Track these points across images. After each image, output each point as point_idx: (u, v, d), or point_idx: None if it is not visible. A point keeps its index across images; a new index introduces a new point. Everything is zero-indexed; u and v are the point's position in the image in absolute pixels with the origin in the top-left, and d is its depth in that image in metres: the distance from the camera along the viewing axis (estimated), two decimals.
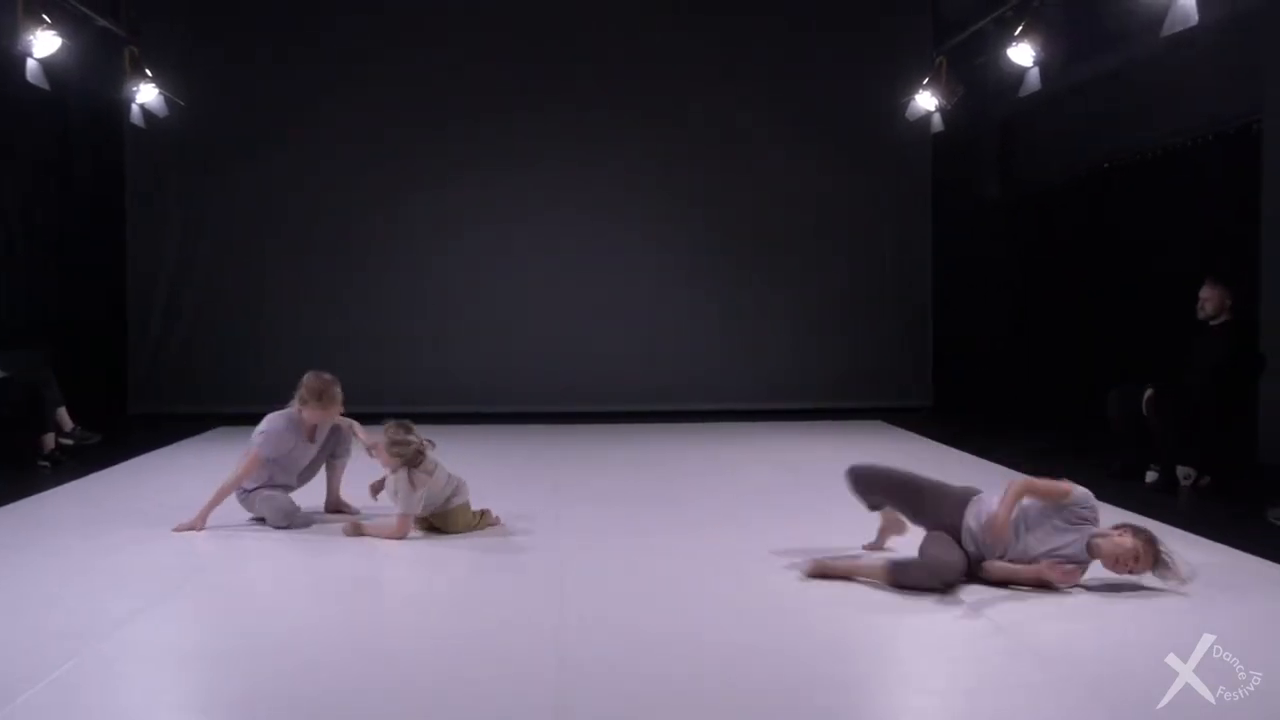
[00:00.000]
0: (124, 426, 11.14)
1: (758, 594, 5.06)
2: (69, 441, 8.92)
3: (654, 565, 5.63)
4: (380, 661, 4.20)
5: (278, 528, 6.36)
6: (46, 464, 8.61)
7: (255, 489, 6.46)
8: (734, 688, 3.90)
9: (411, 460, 6.15)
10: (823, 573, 5.14)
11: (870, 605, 4.76)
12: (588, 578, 5.38)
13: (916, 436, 10.54)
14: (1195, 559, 5.69)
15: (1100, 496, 7.06)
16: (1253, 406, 8.04)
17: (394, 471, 6.18)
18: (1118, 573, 4.91)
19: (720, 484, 8.28)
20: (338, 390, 6.54)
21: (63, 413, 8.89)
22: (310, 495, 6.74)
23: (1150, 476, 7.59)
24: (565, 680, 3.93)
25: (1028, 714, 3.69)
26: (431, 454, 6.27)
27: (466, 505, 6.42)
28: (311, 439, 6.62)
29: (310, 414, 6.49)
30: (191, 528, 6.28)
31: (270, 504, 6.39)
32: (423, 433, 6.30)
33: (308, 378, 6.55)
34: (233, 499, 6.45)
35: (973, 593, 4.86)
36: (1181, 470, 7.50)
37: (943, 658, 4.26)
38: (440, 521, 6.33)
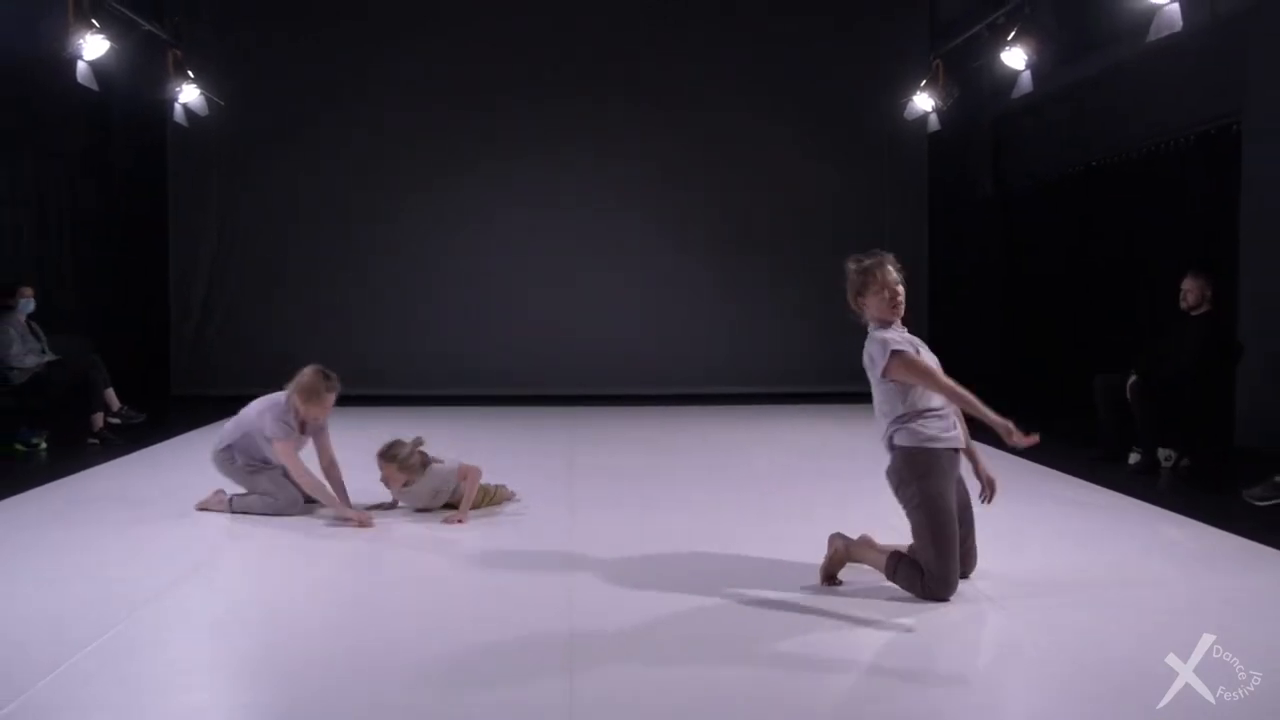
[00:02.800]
0: (167, 407, 11.19)
1: (757, 568, 5.05)
2: (116, 420, 8.99)
3: (661, 540, 5.61)
4: (402, 625, 4.22)
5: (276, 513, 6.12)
6: (96, 441, 8.68)
7: (258, 470, 6.22)
8: (733, 657, 3.91)
9: (423, 462, 6.13)
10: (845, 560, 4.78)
11: (874, 582, 4.70)
12: (598, 550, 5.37)
13: None
14: (1176, 536, 5.73)
15: (1084, 477, 7.17)
16: (1230, 392, 8.02)
17: (412, 483, 6.10)
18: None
19: (725, 463, 8.28)
20: (331, 395, 6.12)
21: (110, 394, 8.95)
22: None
23: (1133, 458, 7.57)
24: (576, 643, 3.94)
25: (1023, 694, 3.69)
26: (429, 451, 6.21)
27: (489, 492, 6.41)
28: (302, 432, 6.20)
29: (302, 408, 6.08)
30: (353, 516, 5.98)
31: (283, 492, 6.15)
32: (409, 432, 6.26)
33: (307, 372, 6.15)
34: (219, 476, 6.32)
35: (976, 577, 4.72)
36: (1162, 452, 7.49)
37: (942, 642, 4.16)
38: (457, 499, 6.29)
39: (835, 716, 3.39)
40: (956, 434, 4.59)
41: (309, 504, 6.20)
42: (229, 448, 6.25)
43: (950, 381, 4.50)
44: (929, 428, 4.52)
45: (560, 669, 3.70)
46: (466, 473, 6.17)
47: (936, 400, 4.55)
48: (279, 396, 6.18)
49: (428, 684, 3.61)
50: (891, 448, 4.61)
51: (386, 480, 6.12)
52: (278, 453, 6.09)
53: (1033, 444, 4.36)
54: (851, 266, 4.73)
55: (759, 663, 3.82)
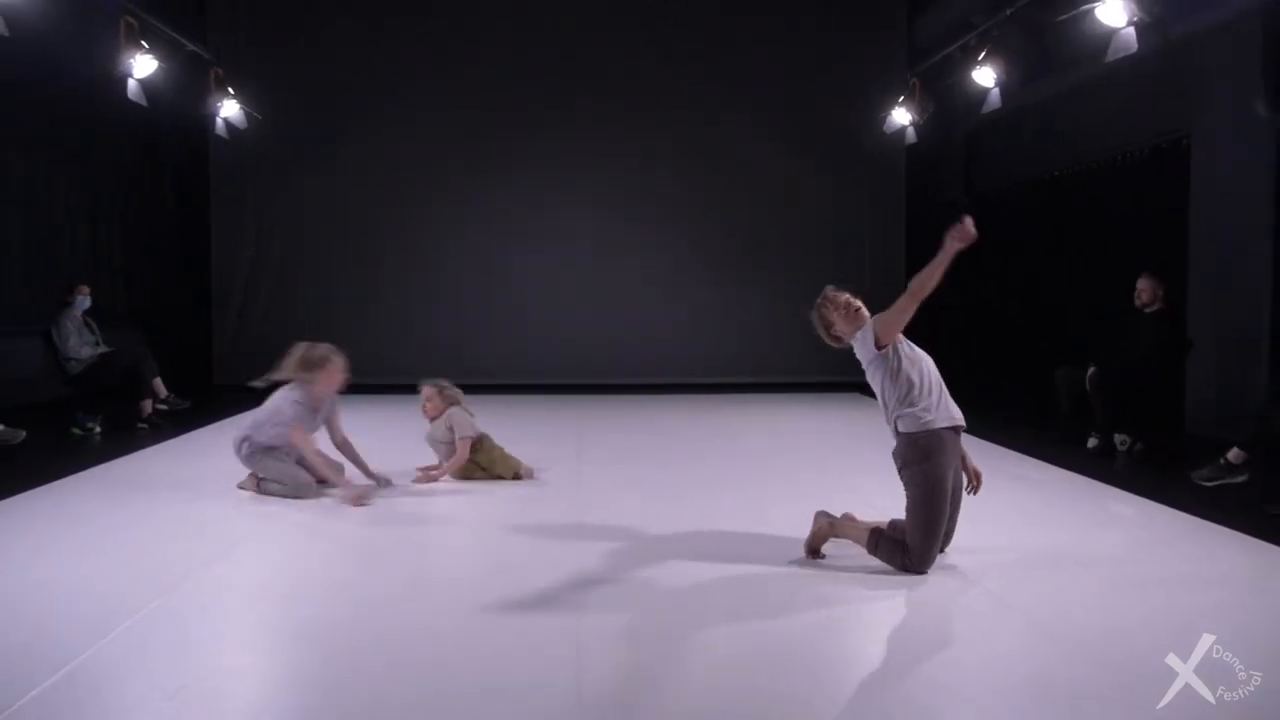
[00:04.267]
0: (209, 395, 11.20)
1: (748, 542, 5.07)
2: (164, 407, 9.03)
3: (663, 515, 5.62)
4: (424, 595, 4.24)
5: (294, 497, 5.98)
6: (145, 426, 8.71)
7: (270, 448, 6.09)
8: (725, 623, 3.92)
9: (456, 401, 6.54)
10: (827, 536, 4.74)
11: (855, 556, 4.70)
12: (605, 524, 5.40)
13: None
14: (1130, 514, 5.75)
15: (1047, 459, 7.20)
16: (1181, 382, 8.04)
17: (441, 415, 6.49)
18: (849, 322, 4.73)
19: (720, 447, 8.30)
20: (338, 360, 6.08)
21: (158, 382, 8.98)
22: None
23: (1091, 443, 7.59)
24: (584, 599, 3.97)
25: (994, 657, 3.71)
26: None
27: (504, 452, 6.62)
28: (316, 410, 6.18)
29: (315, 380, 6.03)
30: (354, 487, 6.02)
31: (291, 478, 6.03)
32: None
33: (301, 349, 6.08)
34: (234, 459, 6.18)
35: (950, 551, 4.69)
36: (1118, 437, 7.51)
37: (919, 611, 4.19)
38: (487, 460, 6.54)
39: (819, 679, 3.40)
40: (955, 411, 4.58)
41: (320, 486, 6.14)
42: (245, 439, 6.13)
43: (911, 287, 4.47)
44: (928, 411, 4.50)
45: (569, 638, 3.72)
46: (462, 445, 6.45)
47: (925, 383, 4.54)
48: (288, 390, 6.12)
49: (446, 648, 3.63)
50: (896, 433, 4.59)
51: (425, 401, 6.53)
52: (292, 436, 5.99)
53: (971, 228, 4.30)
54: (812, 318, 4.83)
55: (748, 627, 3.83)
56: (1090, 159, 10.05)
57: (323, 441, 6.32)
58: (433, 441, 6.60)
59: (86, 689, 3.22)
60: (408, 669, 3.42)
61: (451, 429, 6.48)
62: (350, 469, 6.33)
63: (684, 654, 3.55)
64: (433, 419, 6.54)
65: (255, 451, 6.11)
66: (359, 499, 5.87)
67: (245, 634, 3.89)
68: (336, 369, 6.10)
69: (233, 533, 5.28)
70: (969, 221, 4.33)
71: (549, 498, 6.17)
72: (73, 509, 5.76)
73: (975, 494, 4.74)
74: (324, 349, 6.12)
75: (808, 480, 6.67)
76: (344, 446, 6.35)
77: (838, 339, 4.80)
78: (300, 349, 6.12)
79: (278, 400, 6.15)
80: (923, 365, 4.61)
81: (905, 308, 4.49)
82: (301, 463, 6.16)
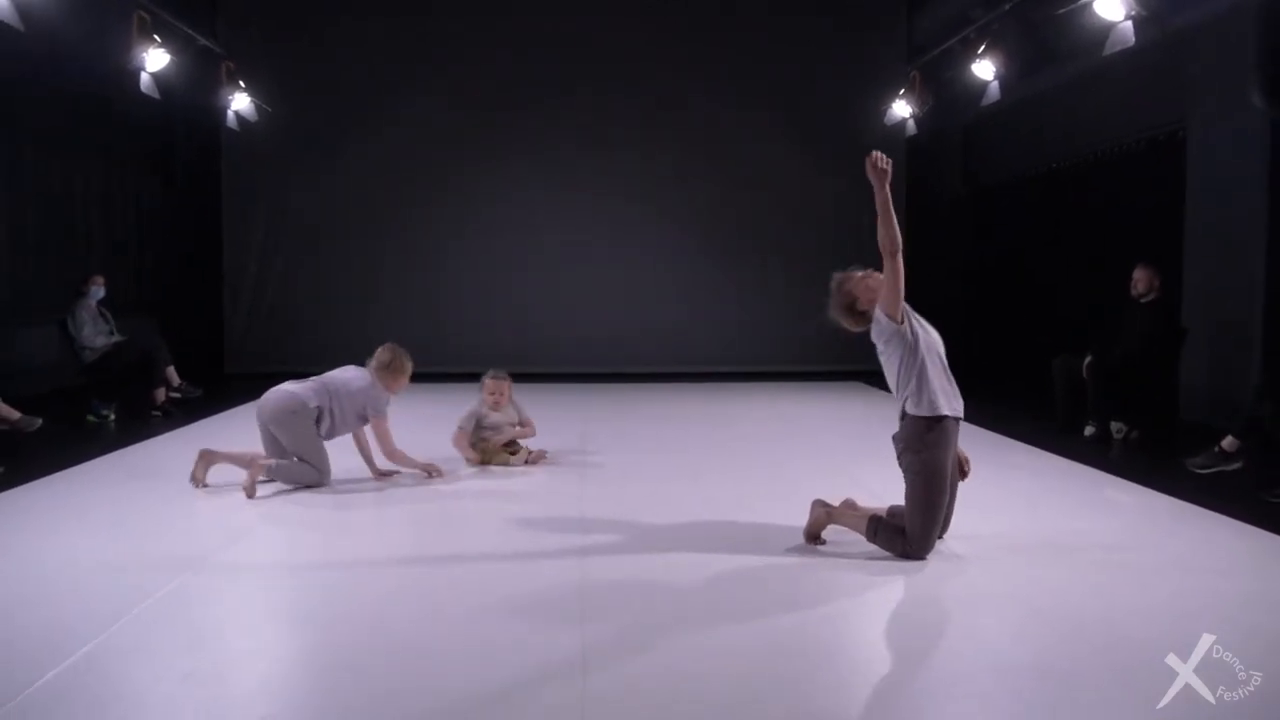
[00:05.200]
0: (221, 383, 11.20)
1: (747, 530, 5.04)
2: (176, 395, 9.02)
3: (664, 503, 5.59)
4: (432, 576, 4.22)
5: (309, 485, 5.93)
6: (158, 413, 8.71)
7: (324, 435, 6.00)
8: (727, 607, 3.90)
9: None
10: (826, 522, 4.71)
11: (854, 543, 4.65)
12: (607, 513, 5.38)
13: (886, 395, 10.46)
14: (1127, 501, 5.72)
15: (1044, 447, 7.17)
16: (1175, 371, 8.00)
17: (510, 403, 6.84)
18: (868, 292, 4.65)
19: (723, 433, 8.27)
20: (409, 368, 6.17)
21: (171, 371, 8.97)
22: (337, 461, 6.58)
23: (1088, 431, 7.56)
24: (587, 585, 3.95)
25: (991, 639, 3.69)
26: None
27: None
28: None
29: (390, 383, 6.07)
30: (429, 470, 6.22)
31: (321, 463, 5.95)
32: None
33: (386, 351, 6.12)
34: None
35: (949, 537, 4.66)
36: (1114, 425, 7.48)
37: (920, 596, 4.17)
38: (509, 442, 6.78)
39: (818, 665, 3.38)
40: (960, 401, 4.52)
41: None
42: (318, 408, 5.95)
43: (882, 247, 4.46)
44: (940, 395, 4.42)
45: (573, 623, 3.71)
46: (530, 425, 6.91)
47: (939, 365, 4.49)
48: (364, 375, 6.08)
49: (450, 636, 3.62)
50: (904, 414, 4.52)
51: (498, 395, 6.75)
52: (377, 428, 6.02)
53: (880, 155, 4.49)
54: (830, 307, 4.75)
55: (749, 614, 3.81)
56: (1088, 151, 10.00)
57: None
58: (495, 426, 6.74)
59: (98, 674, 3.21)
60: (413, 657, 3.40)
61: (519, 411, 6.88)
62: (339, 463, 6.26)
63: (686, 640, 3.53)
64: (501, 408, 6.80)
65: (311, 426, 5.93)
66: (436, 474, 6.21)
67: (254, 620, 3.88)
68: (404, 379, 6.18)
69: (242, 519, 5.27)
70: (876, 154, 4.39)
71: (554, 485, 6.16)
72: (87, 495, 5.77)
73: (963, 480, 4.70)
74: (404, 359, 6.17)
75: (810, 467, 6.65)
76: (361, 442, 6.30)
77: (862, 314, 4.65)
78: (388, 349, 6.16)
79: (357, 383, 6.06)
80: (937, 347, 4.54)
81: (893, 271, 4.42)
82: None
